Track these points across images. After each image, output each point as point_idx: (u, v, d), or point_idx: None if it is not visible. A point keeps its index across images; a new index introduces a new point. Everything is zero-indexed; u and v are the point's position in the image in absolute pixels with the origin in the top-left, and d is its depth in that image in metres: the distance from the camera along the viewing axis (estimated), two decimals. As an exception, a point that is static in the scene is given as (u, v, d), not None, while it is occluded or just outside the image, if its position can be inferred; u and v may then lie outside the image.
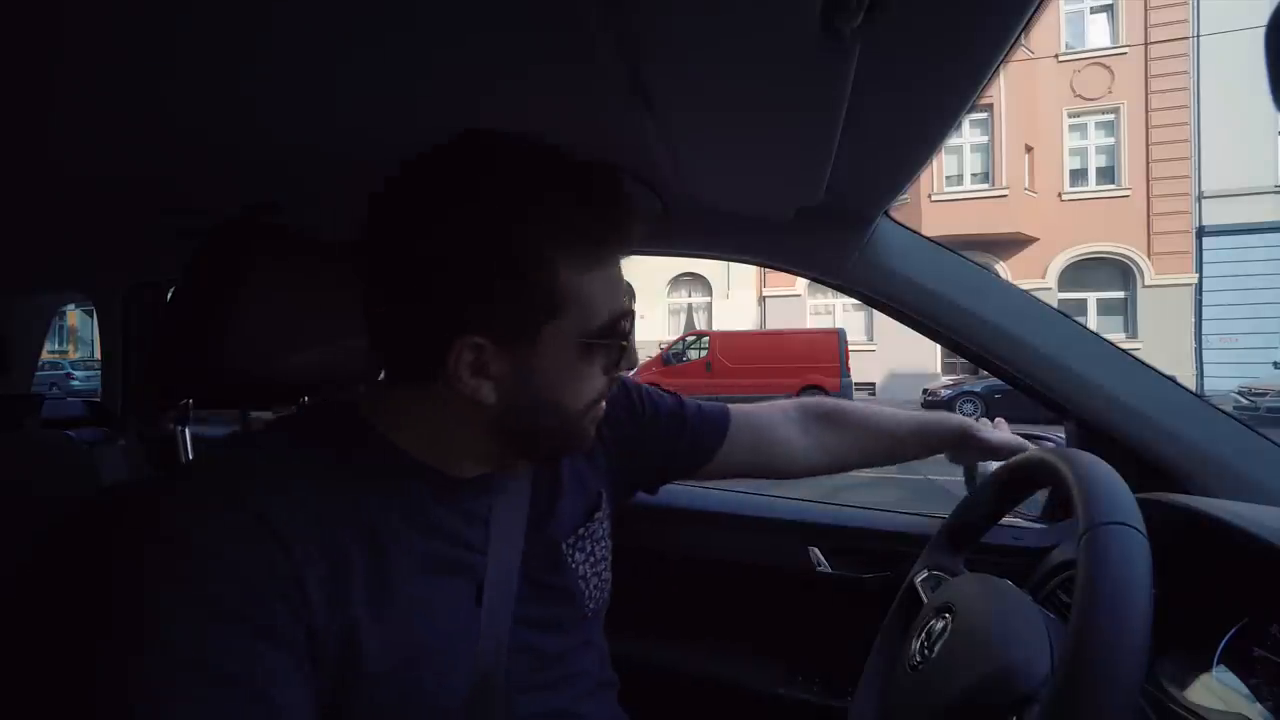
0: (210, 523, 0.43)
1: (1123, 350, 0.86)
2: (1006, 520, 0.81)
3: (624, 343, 0.53)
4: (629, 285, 0.56)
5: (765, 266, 1.07)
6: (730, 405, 0.82)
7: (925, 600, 0.63)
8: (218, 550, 0.42)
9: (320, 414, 0.54)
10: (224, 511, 0.43)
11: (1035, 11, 0.43)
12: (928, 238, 0.92)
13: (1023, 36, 0.46)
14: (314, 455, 0.48)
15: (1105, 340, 0.87)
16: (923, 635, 0.56)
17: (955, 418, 0.87)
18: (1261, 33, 0.34)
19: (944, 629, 0.54)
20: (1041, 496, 0.91)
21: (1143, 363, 0.84)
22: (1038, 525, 0.94)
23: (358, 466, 0.49)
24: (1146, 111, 11.53)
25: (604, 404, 0.55)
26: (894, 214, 0.90)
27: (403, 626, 0.47)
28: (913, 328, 0.94)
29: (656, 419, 0.75)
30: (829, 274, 0.93)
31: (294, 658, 0.42)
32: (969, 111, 0.58)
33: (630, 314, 0.52)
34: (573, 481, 0.64)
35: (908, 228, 0.92)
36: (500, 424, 0.51)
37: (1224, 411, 0.82)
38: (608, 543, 0.67)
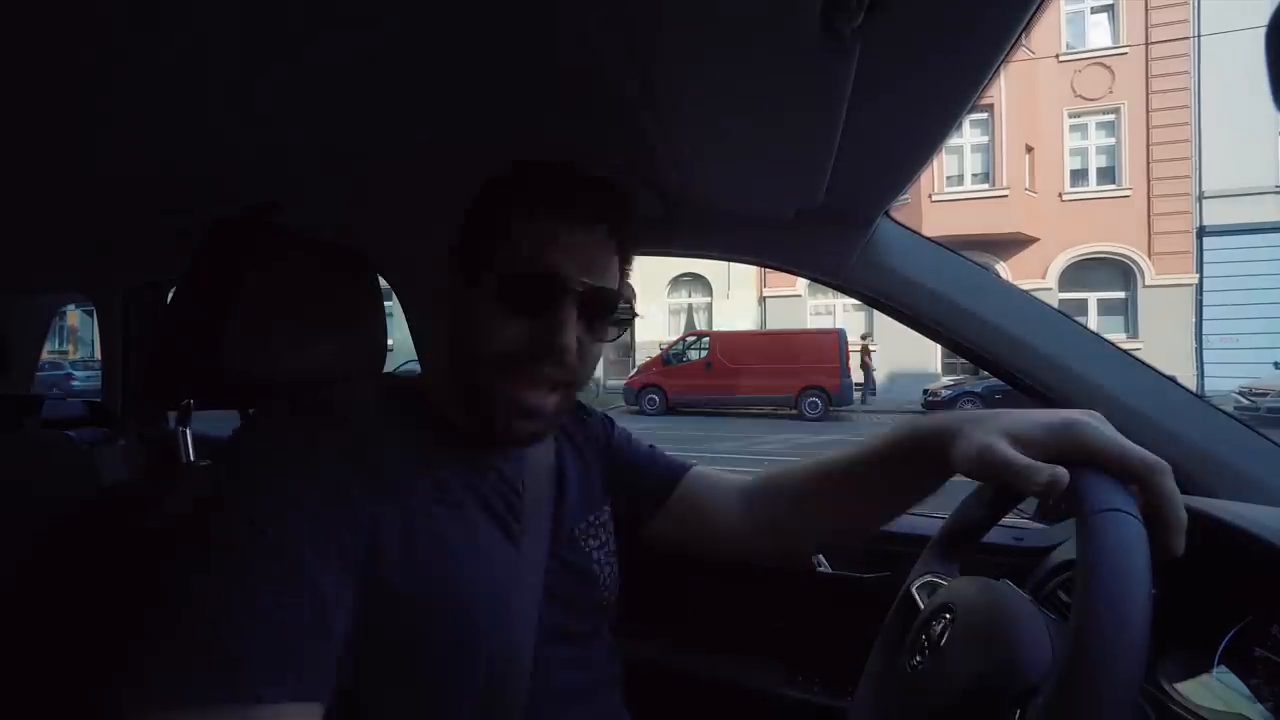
0: (320, 440, 0.50)
1: (1123, 350, 0.86)
2: (1006, 520, 0.81)
3: (539, 298, 0.55)
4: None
5: (765, 266, 1.07)
6: (694, 465, 0.78)
7: (923, 604, 0.63)
8: (314, 460, 0.49)
9: (389, 385, 0.62)
10: (331, 440, 0.51)
11: (1035, 12, 0.43)
12: (928, 238, 0.92)
13: (1023, 37, 0.46)
14: (394, 416, 0.57)
15: (1105, 340, 0.87)
16: (922, 636, 0.56)
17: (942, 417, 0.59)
18: (1261, 33, 0.34)
19: (943, 630, 0.54)
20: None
21: (1143, 363, 0.84)
22: (1038, 525, 0.94)
23: (427, 431, 0.58)
24: (1147, 111, 11.53)
25: (535, 394, 0.57)
26: (894, 214, 0.90)
27: (453, 559, 0.53)
28: (913, 328, 0.94)
29: (627, 452, 0.77)
30: (829, 274, 0.93)
31: (347, 564, 0.47)
32: (969, 112, 0.58)
33: (554, 278, 0.54)
34: (578, 477, 0.69)
35: (908, 228, 0.92)
36: (451, 366, 0.59)
37: (1224, 411, 0.81)
38: (614, 540, 0.71)
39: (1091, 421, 0.46)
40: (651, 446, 0.79)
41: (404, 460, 0.54)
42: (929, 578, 0.66)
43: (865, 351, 11.83)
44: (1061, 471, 0.43)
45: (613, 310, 0.59)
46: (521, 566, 0.58)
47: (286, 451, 0.49)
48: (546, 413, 0.58)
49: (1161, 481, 0.43)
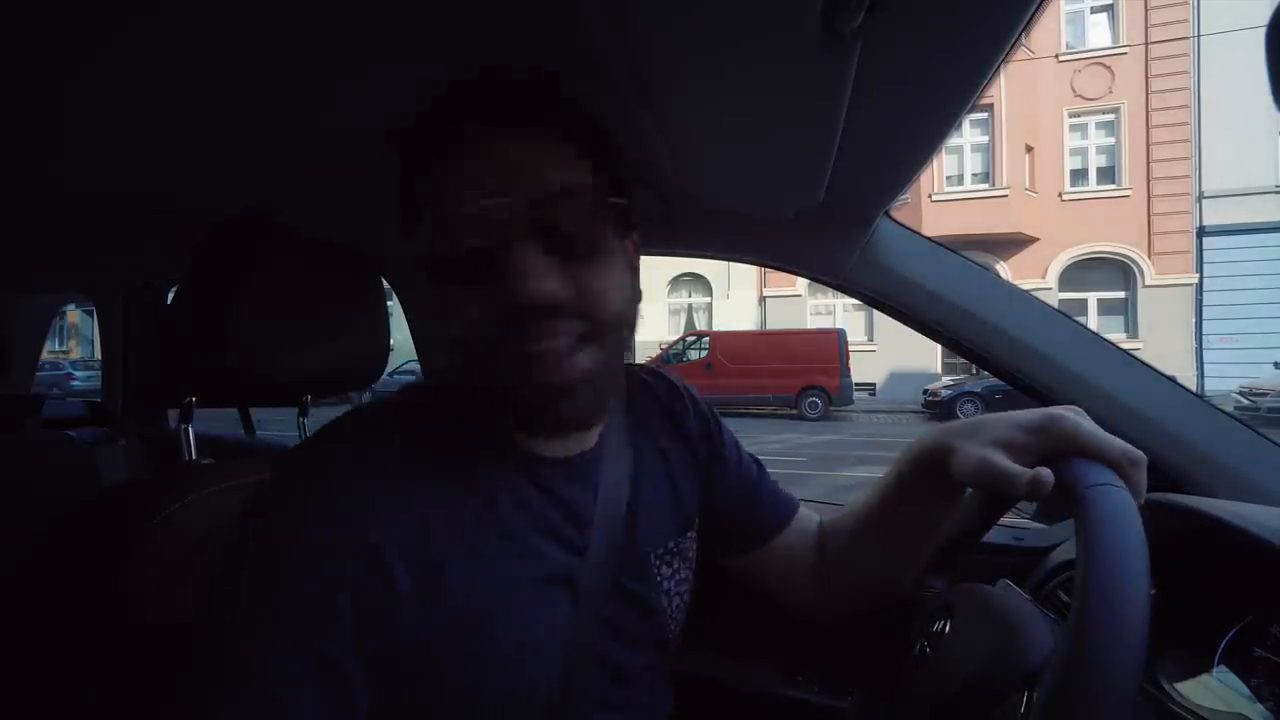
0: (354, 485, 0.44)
1: (1123, 350, 0.86)
2: (1006, 520, 0.80)
3: (470, 252, 0.43)
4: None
5: (765, 266, 1.07)
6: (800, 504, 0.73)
7: (924, 604, 0.63)
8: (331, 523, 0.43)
9: (434, 394, 0.55)
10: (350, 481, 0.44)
11: (1035, 11, 0.43)
12: (928, 238, 0.92)
13: (1023, 37, 0.46)
14: (434, 432, 0.50)
15: (1105, 340, 0.87)
16: (923, 636, 0.56)
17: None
18: (1261, 33, 0.34)
19: (944, 629, 0.54)
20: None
21: (1143, 363, 0.84)
22: (1038, 525, 0.94)
23: (477, 445, 0.50)
24: (1147, 111, 11.54)
25: (538, 341, 0.44)
26: (894, 214, 0.90)
27: (496, 604, 0.47)
28: (913, 328, 0.94)
29: (735, 473, 0.69)
30: (829, 274, 0.93)
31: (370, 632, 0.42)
32: (969, 112, 0.58)
33: (474, 218, 0.42)
34: (659, 495, 0.61)
35: (908, 228, 0.92)
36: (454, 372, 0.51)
37: (1224, 412, 0.81)
38: (693, 565, 0.64)
39: (1069, 415, 0.48)
40: (760, 466, 0.72)
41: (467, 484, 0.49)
42: (929, 578, 0.66)
43: None
44: (1045, 472, 0.44)
45: (598, 210, 0.45)
46: (579, 605, 0.52)
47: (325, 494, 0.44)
48: (573, 378, 0.45)
49: (1136, 474, 0.45)
